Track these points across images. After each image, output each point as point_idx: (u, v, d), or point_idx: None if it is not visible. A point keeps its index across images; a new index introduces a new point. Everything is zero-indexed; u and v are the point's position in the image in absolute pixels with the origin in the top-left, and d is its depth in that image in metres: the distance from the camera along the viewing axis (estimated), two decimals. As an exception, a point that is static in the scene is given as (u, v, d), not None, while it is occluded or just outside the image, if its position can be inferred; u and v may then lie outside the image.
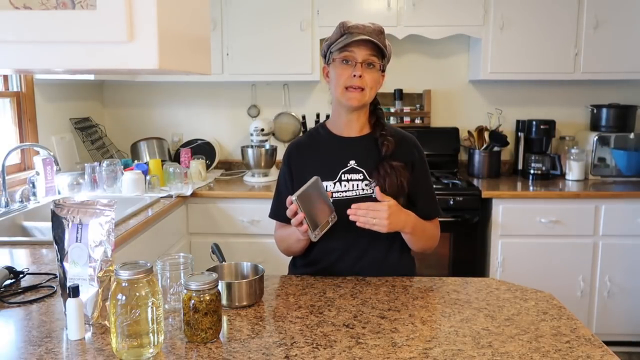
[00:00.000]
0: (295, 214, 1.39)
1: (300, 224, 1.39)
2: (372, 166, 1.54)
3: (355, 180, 1.55)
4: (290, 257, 1.73)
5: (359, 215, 1.41)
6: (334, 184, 1.55)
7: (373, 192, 1.53)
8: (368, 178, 1.54)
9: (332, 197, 1.54)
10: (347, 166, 1.56)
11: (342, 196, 1.54)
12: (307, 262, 1.62)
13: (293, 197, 1.37)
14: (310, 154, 1.62)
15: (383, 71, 1.55)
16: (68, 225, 1.20)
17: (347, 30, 1.50)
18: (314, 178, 1.45)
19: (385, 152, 1.53)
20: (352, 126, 1.59)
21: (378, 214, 1.41)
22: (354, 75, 1.48)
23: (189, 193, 2.87)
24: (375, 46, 1.48)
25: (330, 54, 1.53)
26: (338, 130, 1.61)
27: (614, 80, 3.36)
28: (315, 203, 1.42)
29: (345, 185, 1.55)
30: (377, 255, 1.56)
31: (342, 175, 1.56)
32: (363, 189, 1.54)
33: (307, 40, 3.15)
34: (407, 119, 3.46)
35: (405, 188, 1.52)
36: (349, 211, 1.42)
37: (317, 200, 1.43)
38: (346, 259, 1.56)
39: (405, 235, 1.53)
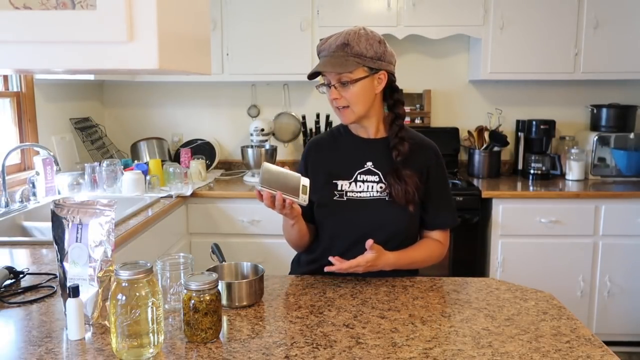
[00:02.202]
0: (272, 200, 1.37)
1: (283, 203, 1.38)
2: (389, 169, 1.54)
3: (371, 182, 1.55)
4: (293, 256, 1.73)
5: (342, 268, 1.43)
6: (350, 183, 1.55)
7: (387, 196, 1.53)
8: (383, 181, 1.54)
9: (346, 195, 1.54)
10: (364, 167, 1.56)
11: (357, 196, 1.54)
12: (311, 260, 1.62)
13: (258, 187, 1.37)
14: (328, 152, 1.62)
15: (375, 72, 1.50)
16: (68, 225, 1.20)
17: (319, 53, 1.53)
18: (263, 164, 1.42)
19: (396, 158, 1.52)
20: (367, 130, 1.59)
21: (355, 269, 1.44)
22: (333, 99, 1.50)
23: (189, 193, 2.87)
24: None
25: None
26: (357, 131, 1.61)
27: (614, 80, 3.36)
28: (280, 180, 1.40)
29: (360, 186, 1.55)
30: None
31: (358, 176, 1.56)
32: (378, 191, 1.54)
33: (307, 40, 3.15)
34: (407, 119, 3.45)
35: (415, 196, 1.51)
36: (333, 268, 1.43)
37: (280, 177, 1.41)
38: (349, 257, 1.56)
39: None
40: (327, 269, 1.43)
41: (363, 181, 1.55)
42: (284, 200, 1.37)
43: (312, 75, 1.53)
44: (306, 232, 1.58)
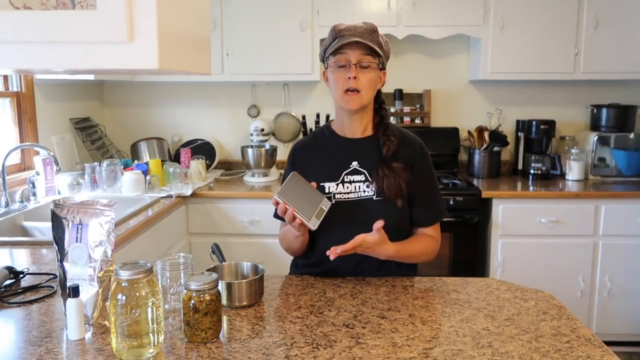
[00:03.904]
0: (285, 211, 1.39)
1: (294, 219, 1.40)
2: (374, 167, 1.54)
3: (357, 181, 1.54)
4: (292, 257, 1.73)
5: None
6: (337, 185, 1.55)
7: (374, 194, 1.53)
8: (370, 179, 1.54)
9: (334, 198, 1.54)
10: (350, 167, 1.56)
11: (344, 198, 1.54)
12: (309, 264, 1.62)
13: (275, 196, 1.38)
14: (314, 154, 1.62)
15: (383, 69, 1.54)
16: (68, 225, 1.20)
17: (339, 33, 1.50)
18: (292, 173, 1.46)
19: (386, 153, 1.52)
20: (355, 127, 1.59)
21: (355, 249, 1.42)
22: (349, 78, 1.48)
23: (189, 193, 2.87)
24: (368, 46, 1.47)
25: (326, 58, 1.54)
26: (342, 131, 1.61)
27: (614, 80, 3.36)
28: (301, 195, 1.42)
29: (347, 187, 1.54)
30: (378, 261, 1.55)
31: (345, 177, 1.55)
32: (364, 191, 1.54)
33: (307, 40, 3.15)
34: (407, 119, 3.46)
35: (404, 190, 1.51)
36: (328, 252, 1.40)
37: (303, 192, 1.43)
38: (347, 261, 1.55)
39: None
40: (332, 257, 1.40)
41: (350, 182, 1.55)
42: (295, 217, 1.39)
43: (331, 51, 1.50)
44: (306, 244, 1.57)
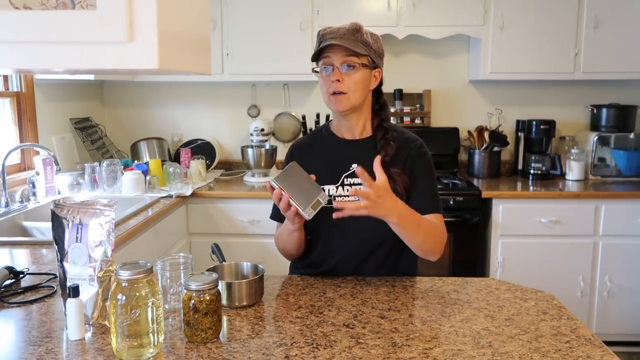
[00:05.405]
0: (280, 198, 1.36)
1: (288, 207, 1.36)
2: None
3: (357, 184, 1.53)
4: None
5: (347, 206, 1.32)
6: (337, 187, 1.54)
7: None
8: None
9: (334, 201, 1.52)
10: (349, 170, 1.54)
11: (344, 201, 1.53)
12: (308, 264, 1.61)
13: (271, 181, 1.35)
14: (312, 155, 1.60)
15: (374, 68, 1.51)
16: (68, 225, 1.20)
17: (322, 37, 1.49)
18: (292, 163, 1.43)
19: (384, 158, 1.50)
20: (352, 128, 1.57)
21: (365, 194, 1.30)
22: (333, 81, 1.46)
23: (189, 193, 2.87)
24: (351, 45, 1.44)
25: (316, 63, 1.53)
26: (340, 133, 1.60)
27: (614, 80, 3.36)
28: (299, 185, 1.38)
29: (347, 190, 1.53)
30: (378, 260, 1.55)
31: (345, 180, 1.54)
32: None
33: (307, 40, 3.15)
34: (407, 119, 3.46)
35: (401, 195, 1.49)
36: (336, 204, 1.32)
37: (301, 182, 1.40)
38: (346, 263, 1.55)
39: (394, 227, 1.40)
40: (335, 215, 1.31)
41: (350, 185, 1.53)
42: (290, 205, 1.36)
43: (316, 56, 1.49)
44: (303, 242, 1.56)
